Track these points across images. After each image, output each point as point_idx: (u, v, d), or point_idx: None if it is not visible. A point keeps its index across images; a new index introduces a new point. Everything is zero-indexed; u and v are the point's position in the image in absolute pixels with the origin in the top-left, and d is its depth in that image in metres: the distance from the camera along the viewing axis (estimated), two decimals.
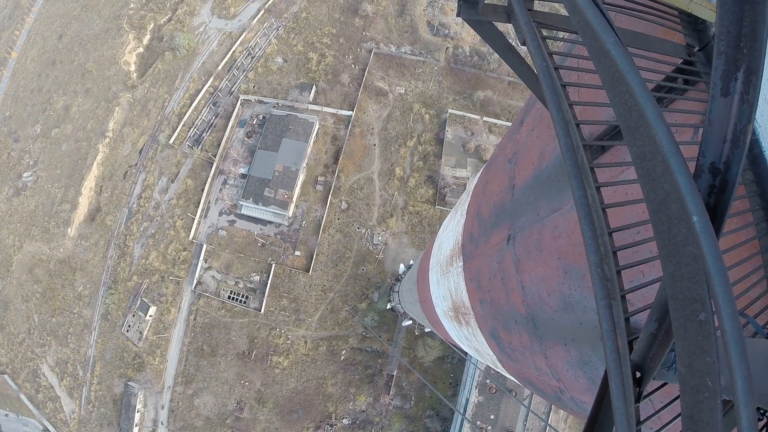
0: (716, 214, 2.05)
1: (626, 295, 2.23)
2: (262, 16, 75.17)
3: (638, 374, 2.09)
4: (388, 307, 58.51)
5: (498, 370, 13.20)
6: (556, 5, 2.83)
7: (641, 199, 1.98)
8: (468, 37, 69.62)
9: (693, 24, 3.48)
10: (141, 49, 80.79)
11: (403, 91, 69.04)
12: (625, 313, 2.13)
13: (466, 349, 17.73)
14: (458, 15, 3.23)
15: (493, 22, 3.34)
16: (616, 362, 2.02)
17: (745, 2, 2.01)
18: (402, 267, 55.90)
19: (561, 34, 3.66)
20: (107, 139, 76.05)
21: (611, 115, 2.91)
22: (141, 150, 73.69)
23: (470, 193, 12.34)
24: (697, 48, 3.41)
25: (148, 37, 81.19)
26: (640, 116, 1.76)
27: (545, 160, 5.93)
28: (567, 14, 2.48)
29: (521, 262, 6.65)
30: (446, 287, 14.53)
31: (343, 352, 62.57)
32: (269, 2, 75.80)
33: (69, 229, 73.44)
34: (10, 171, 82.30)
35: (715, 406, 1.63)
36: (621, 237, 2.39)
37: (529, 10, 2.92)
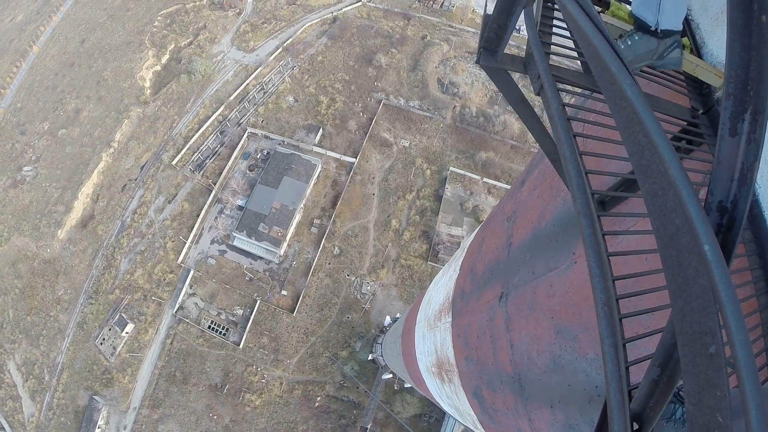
0: (723, 252, 1.89)
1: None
2: (279, 53, 72.25)
3: (636, 426, 1.91)
4: (369, 358, 54.71)
5: None
6: (566, 61, 2.67)
7: (643, 250, 2.21)
8: (476, 98, 66.17)
9: (698, 88, 3.33)
10: (158, 67, 76.77)
11: (407, 144, 65.18)
12: (626, 361, 1.99)
13: (446, 407, 17.19)
14: (477, 62, 3.05)
15: (509, 73, 3.10)
16: (620, 404, 1.85)
17: (752, 48, 2.00)
18: (388, 319, 53.81)
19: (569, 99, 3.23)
20: (112, 149, 71.16)
21: (617, 170, 2.84)
22: (143, 166, 68.54)
23: (465, 250, 11.80)
24: (701, 111, 3.27)
25: (167, 56, 77.53)
26: (653, 153, 1.69)
27: (545, 219, 5.62)
28: (579, 70, 2.91)
29: (512, 321, 6.27)
30: (432, 342, 13.99)
31: (319, 398, 57.28)
32: (288, 41, 73.04)
33: (59, 231, 67.95)
34: (11, 162, 77.39)
35: None
36: (622, 288, 2.20)
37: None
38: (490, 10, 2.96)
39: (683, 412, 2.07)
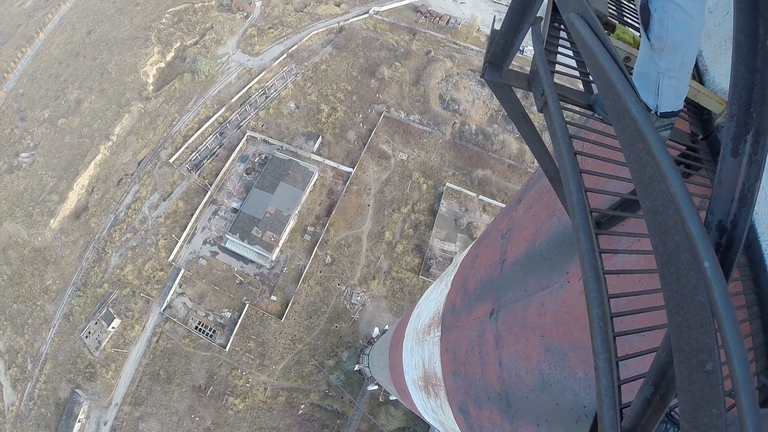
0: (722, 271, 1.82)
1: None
2: (284, 59, 72.51)
3: None
4: (355, 369, 54.01)
5: None
6: (566, 82, 2.77)
7: (638, 270, 2.32)
8: (476, 115, 66.49)
9: (699, 114, 3.36)
10: (162, 64, 76.76)
11: (405, 158, 65.25)
12: (618, 380, 1.98)
13: (430, 421, 17.02)
14: (482, 76, 3.01)
15: (513, 89, 3.11)
16: (612, 420, 1.85)
17: (756, 71, 2.04)
18: (376, 330, 53.33)
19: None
20: (110, 143, 70.99)
21: (615, 191, 2.90)
22: (140, 161, 68.38)
23: (457, 265, 11.73)
24: (701, 136, 3.29)
25: (171, 54, 77.63)
26: (655, 170, 1.72)
27: (540, 237, 5.60)
28: (579, 90, 3.01)
29: (502, 337, 6.21)
30: (420, 356, 13.91)
31: (303, 406, 56.83)
32: (293, 48, 73.16)
33: (52, 221, 67.61)
34: (9, 147, 77.24)
35: None
36: (615, 308, 2.23)
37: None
38: (498, 25, 2.96)
39: (675, 431, 2.07)
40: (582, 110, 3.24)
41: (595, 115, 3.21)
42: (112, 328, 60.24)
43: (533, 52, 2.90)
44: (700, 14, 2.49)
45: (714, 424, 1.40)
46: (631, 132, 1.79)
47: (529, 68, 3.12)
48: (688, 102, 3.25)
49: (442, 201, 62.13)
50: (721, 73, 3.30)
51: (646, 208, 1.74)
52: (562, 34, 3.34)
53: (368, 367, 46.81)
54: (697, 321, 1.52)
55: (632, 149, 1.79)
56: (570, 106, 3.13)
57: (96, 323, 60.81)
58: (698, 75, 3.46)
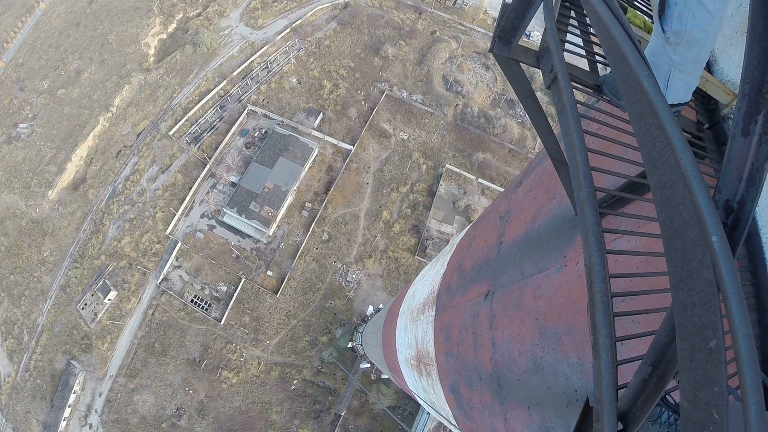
0: None
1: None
2: (287, 34, 71.56)
3: (621, 426, 1.89)
4: (348, 346, 54.67)
5: (450, 429, 12.30)
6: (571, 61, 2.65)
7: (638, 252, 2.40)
8: (479, 98, 66.02)
9: (706, 103, 3.34)
10: (164, 36, 76.05)
11: (406, 137, 64.94)
12: (615, 360, 1.97)
13: (421, 401, 17.10)
14: (490, 51, 2.93)
15: (521, 65, 3.03)
16: (611, 397, 1.84)
17: None
18: (371, 309, 53.46)
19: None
20: (110, 114, 70.58)
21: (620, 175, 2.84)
22: (140, 133, 68.14)
23: (455, 246, 11.71)
24: (707, 126, 3.26)
25: (173, 25, 76.89)
26: (665, 144, 1.69)
27: (538, 220, 5.54)
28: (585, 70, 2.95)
29: (496, 319, 6.22)
30: (413, 335, 13.82)
31: (295, 381, 57.42)
32: (297, 23, 72.19)
33: (50, 192, 67.45)
34: (8, 118, 76.84)
35: None
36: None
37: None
38: None
39: (669, 415, 2.04)
40: (590, 91, 3.17)
41: (603, 96, 3.17)
42: (109, 300, 60.47)
43: (543, 30, 2.85)
44: (721, 13, 2.45)
45: (715, 403, 1.39)
46: (643, 106, 1.76)
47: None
48: (696, 90, 3.22)
49: (441, 182, 62.07)
50: (730, 65, 3.28)
51: (654, 182, 1.72)
52: (572, 13, 3.29)
53: (361, 344, 47.03)
54: (701, 297, 1.50)
55: (642, 123, 1.77)
56: (577, 89, 3.03)
57: (92, 295, 61.04)
58: (707, 65, 3.41)
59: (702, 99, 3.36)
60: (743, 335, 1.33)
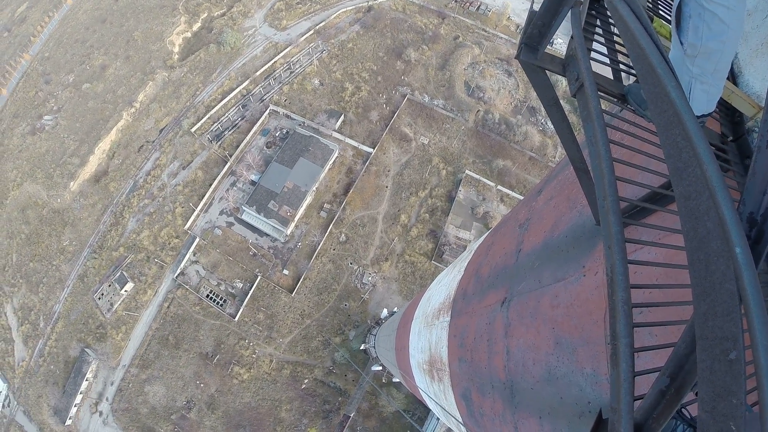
0: None
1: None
2: (310, 35, 72.12)
3: None
4: (361, 348, 54.29)
5: None
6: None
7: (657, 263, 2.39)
8: (501, 105, 65.78)
9: (730, 116, 3.25)
10: (188, 34, 76.81)
11: (426, 142, 64.79)
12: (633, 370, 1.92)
13: (431, 406, 16.86)
14: (517, 57, 2.93)
15: (546, 73, 3.02)
16: (629, 406, 1.79)
17: None
18: (385, 312, 53.34)
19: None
20: (133, 109, 71.38)
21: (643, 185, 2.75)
22: (162, 129, 68.80)
23: (472, 252, 11.57)
24: (731, 138, 3.19)
25: (198, 24, 77.66)
26: (691, 155, 1.68)
27: (558, 229, 5.44)
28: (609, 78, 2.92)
29: (512, 327, 6.17)
30: (427, 339, 13.82)
31: (306, 380, 57.56)
32: (321, 25, 72.56)
33: (72, 183, 68.54)
34: (33, 109, 78.21)
35: None
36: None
37: None
38: (537, 6, 2.89)
39: (684, 429, 2.02)
40: (614, 100, 3.14)
41: (627, 106, 3.15)
42: (125, 291, 61.18)
43: (570, 38, 2.83)
44: (738, 23, 2.42)
45: (733, 414, 1.37)
46: (669, 116, 1.76)
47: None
48: (721, 102, 3.15)
49: (460, 188, 61.86)
50: (755, 77, 3.23)
51: (679, 193, 1.71)
52: (598, 21, 3.24)
53: (374, 347, 46.93)
54: (723, 309, 1.48)
55: (669, 134, 1.76)
56: (602, 98, 3.02)
57: (109, 285, 61.76)
58: (732, 77, 3.36)
59: (726, 111, 3.30)
60: (764, 347, 1.32)
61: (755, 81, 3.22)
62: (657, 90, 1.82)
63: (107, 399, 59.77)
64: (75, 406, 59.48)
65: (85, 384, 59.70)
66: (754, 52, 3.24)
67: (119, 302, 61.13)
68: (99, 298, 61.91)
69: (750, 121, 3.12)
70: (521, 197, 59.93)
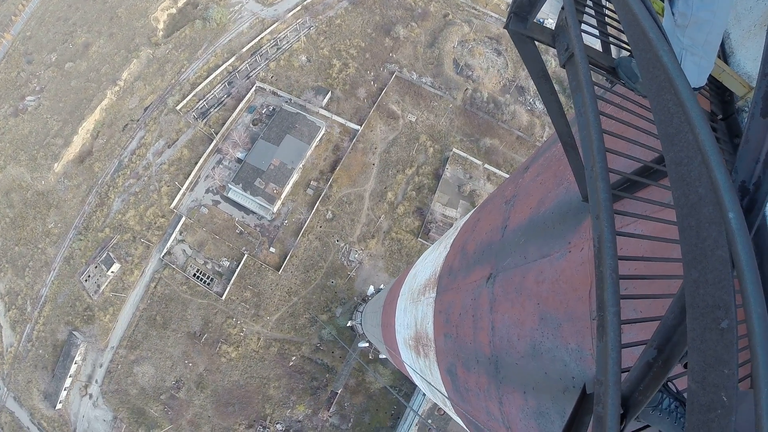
0: None
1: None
2: (298, 11, 70.67)
3: (621, 411, 1.82)
4: (348, 325, 54.79)
5: (445, 410, 12.33)
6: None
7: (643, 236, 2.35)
8: (489, 84, 65.47)
9: (721, 94, 3.29)
10: (173, 10, 75.19)
11: (413, 120, 64.44)
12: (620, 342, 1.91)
13: (417, 382, 17.06)
14: (506, 27, 2.94)
15: (535, 44, 3.01)
16: (616, 377, 1.74)
17: None
18: (371, 288, 53.35)
19: None
20: (117, 88, 70.03)
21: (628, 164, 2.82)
22: (147, 107, 67.76)
23: (458, 229, 11.72)
24: (720, 117, 3.23)
25: (183, 0, 74.09)
26: (683, 120, 1.64)
27: (544, 206, 5.55)
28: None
29: (497, 302, 6.23)
30: (413, 316, 13.90)
31: (294, 358, 57.91)
32: (308, 0, 71.46)
33: (56, 164, 67.34)
34: (15, 90, 76.23)
35: (728, 424, 1.40)
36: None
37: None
38: None
39: (671, 402, 2.01)
40: (605, 73, 3.14)
41: (618, 80, 3.13)
42: (112, 272, 60.76)
43: (560, 9, 2.79)
44: None
45: (725, 385, 1.35)
46: (661, 81, 1.71)
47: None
48: (712, 81, 3.19)
49: (447, 166, 61.84)
50: (747, 57, 3.24)
51: (671, 159, 1.68)
52: None
53: (360, 324, 47.18)
54: (715, 276, 1.45)
55: (660, 99, 1.72)
56: (592, 71, 2.99)
57: (96, 267, 61.32)
58: (724, 56, 3.39)
59: (717, 90, 3.30)
60: (758, 315, 1.30)
61: (747, 62, 3.25)
62: (649, 55, 1.80)
63: (96, 381, 59.83)
64: (65, 389, 59.49)
65: (74, 367, 59.62)
66: (747, 33, 3.26)
67: (106, 284, 60.74)
68: (86, 280, 61.49)
69: (740, 100, 3.13)
70: (508, 176, 59.80)
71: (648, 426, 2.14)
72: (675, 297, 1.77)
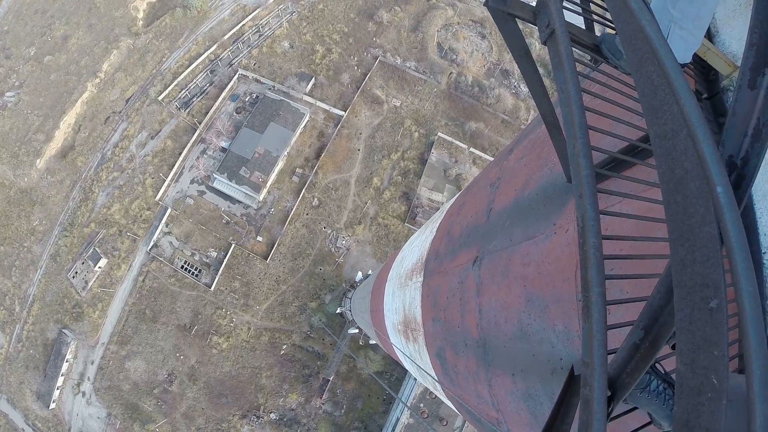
0: None
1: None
2: None
3: (608, 393, 1.78)
4: (337, 311, 54.66)
5: (436, 394, 12.65)
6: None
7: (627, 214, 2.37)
8: (474, 67, 65.33)
9: (705, 73, 3.26)
10: None
11: (398, 104, 64.20)
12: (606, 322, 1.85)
13: (407, 366, 17.07)
14: (485, 4, 2.83)
15: (516, 21, 2.91)
16: (602, 359, 1.69)
17: None
18: (360, 275, 53.14)
19: None
20: (98, 80, 68.89)
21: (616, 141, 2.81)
22: (128, 99, 66.91)
23: (444, 212, 11.70)
24: (705, 96, 3.17)
25: None
26: (667, 91, 1.60)
27: (529, 188, 5.54)
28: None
29: (484, 285, 6.25)
30: (401, 300, 13.88)
31: (285, 346, 57.92)
32: None
33: (38, 161, 66.16)
34: None
35: (719, 408, 1.36)
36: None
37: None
38: None
39: (658, 383, 1.98)
40: (588, 51, 3.10)
41: (601, 57, 3.09)
42: (99, 267, 60.23)
43: None
44: None
45: (714, 367, 1.31)
46: (644, 53, 1.68)
47: None
48: (697, 60, 3.18)
49: (432, 150, 61.69)
50: (732, 36, 3.23)
51: (655, 133, 1.63)
52: None
53: (350, 310, 47.22)
54: (703, 254, 1.42)
55: (643, 71, 1.68)
56: (574, 48, 2.95)
57: (83, 263, 60.78)
58: (709, 36, 3.36)
59: (702, 69, 3.28)
60: (749, 293, 1.24)
61: (732, 41, 3.23)
62: (631, 26, 1.76)
63: (89, 379, 59.59)
64: (57, 388, 59.24)
65: (65, 366, 59.29)
66: (732, 11, 3.26)
67: (94, 279, 60.23)
68: (73, 277, 60.94)
69: (725, 79, 3.11)
70: (493, 159, 59.92)
71: (636, 408, 2.11)
72: (661, 277, 1.74)
